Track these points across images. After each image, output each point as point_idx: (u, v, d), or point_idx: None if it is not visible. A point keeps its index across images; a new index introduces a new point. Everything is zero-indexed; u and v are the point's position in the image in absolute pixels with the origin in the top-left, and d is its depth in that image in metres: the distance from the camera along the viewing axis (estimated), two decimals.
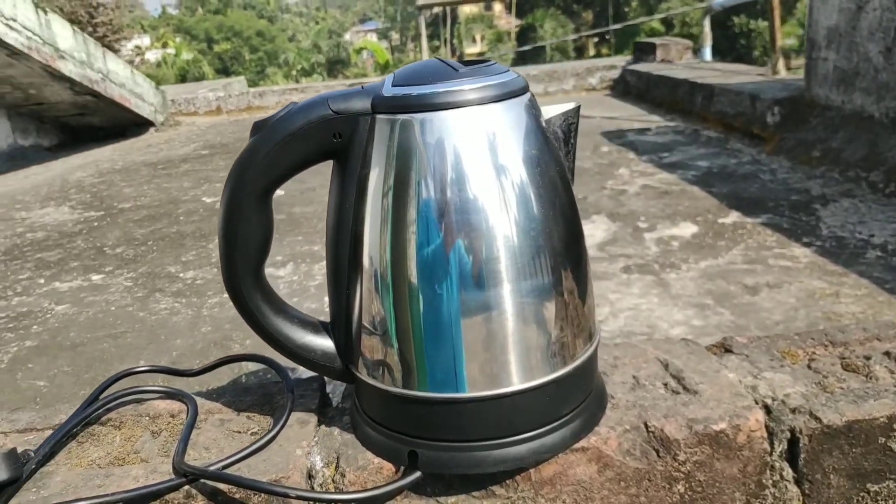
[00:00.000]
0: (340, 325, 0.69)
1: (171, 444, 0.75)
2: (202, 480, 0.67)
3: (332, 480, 0.68)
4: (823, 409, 0.68)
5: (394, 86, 0.62)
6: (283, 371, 0.80)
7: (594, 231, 1.71)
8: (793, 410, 0.69)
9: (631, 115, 3.33)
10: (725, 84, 2.84)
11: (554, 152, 0.65)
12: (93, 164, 3.50)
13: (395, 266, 0.61)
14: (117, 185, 2.92)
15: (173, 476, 0.68)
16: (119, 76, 3.77)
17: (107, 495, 0.66)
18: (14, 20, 2.91)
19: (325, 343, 0.70)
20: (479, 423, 0.63)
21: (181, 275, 1.74)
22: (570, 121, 0.66)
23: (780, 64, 3.11)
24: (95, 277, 1.83)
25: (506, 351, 0.62)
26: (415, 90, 0.60)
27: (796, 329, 1.10)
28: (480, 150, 0.60)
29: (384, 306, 0.63)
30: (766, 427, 0.68)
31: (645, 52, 4.19)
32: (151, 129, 4.25)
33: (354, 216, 0.64)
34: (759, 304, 1.22)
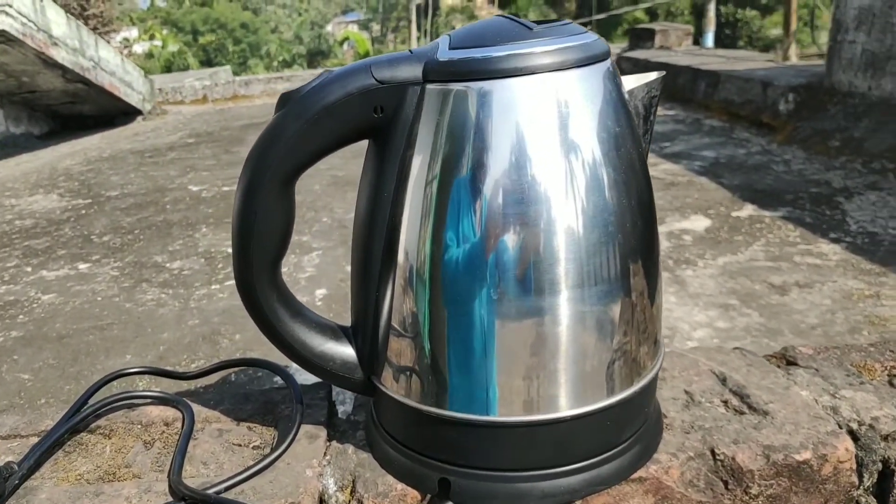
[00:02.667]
0: (366, 330, 0.57)
1: (165, 457, 0.65)
2: None
3: None
4: None
5: (451, 48, 0.50)
6: (291, 379, 0.69)
7: None
8: (884, 438, 0.58)
9: None
10: (733, 70, 2.73)
11: (635, 131, 0.54)
12: (81, 152, 3.38)
13: (436, 266, 0.50)
14: (105, 174, 2.80)
15: (170, 498, 0.57)
16: (110, 64, 3.63)
17: None
18: (10, 6, 2.76)
19: (345, 351, 0.59)
20: (526, 451, 0.53)
21: (168, 265, 1.64)
22: (653, 93, 0.56)
23: (793, 50, 3.02)
24: (82, 266, 1.71)
25: (561, 370, 0.51)
26: (479, 52, 0.49)
27: (836, 333, 1.01)
28: (552, 128, 0.49)
29: (419, 312, 0.52)
30: (856, 457, 0.58)
31: (642, 38, 4.07)
32: (139, 118, 4.12)
33: (393, 205, 0.52)
34: (790, 306, 1.12)
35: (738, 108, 2.58)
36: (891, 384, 0.66)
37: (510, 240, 0.49)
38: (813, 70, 2.47)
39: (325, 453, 0.62)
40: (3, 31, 2.68)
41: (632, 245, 0.52)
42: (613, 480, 0.55)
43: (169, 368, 0.81)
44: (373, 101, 0.51)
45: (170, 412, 0.72)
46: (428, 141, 0.50)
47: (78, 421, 0.69)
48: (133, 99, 3.93)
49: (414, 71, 0.50)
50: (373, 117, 0.51)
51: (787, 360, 0.71)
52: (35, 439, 0.67)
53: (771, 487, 0.57)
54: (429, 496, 0.56)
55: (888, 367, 0.69)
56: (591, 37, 0.52)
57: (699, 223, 1.55)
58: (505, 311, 0.50)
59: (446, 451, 0.55)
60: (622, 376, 0.53)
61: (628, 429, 0.55)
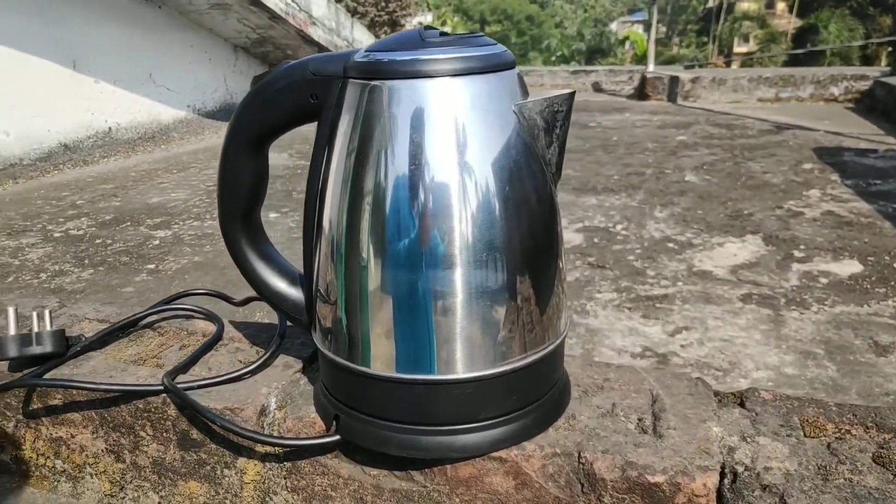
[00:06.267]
0: (306, 282, 0.68)
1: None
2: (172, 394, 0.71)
3: (278, 423, 0.69)
4: (798, 497, 0.54)
5: (366, 51, 0.59)
6: (281, 316, 0.81)
7: (739, 251, 1.51)
8: (764, 488, 0.55)
9: (861, 133, 2.86)
10: None
11: (523, 139, 0.57)
12: None
13: (349, 235, 0.59)
14: None
15: (158, 384, 0.72)
16: (363, 45, 4.06)
17: (102, 383, 0.73)
18: None
19: (297, 295, 0.70)
20: (391, 404, 0.60)
21: None
22: (556, 108, 0.58)
23: None
24: (272, 215, 2.00)
25: (432, 338, 0.57)
26: (385, 56, 0.57)
27: None
28: (441, 124, 0.55)
29: (336, 274, 0.61)
30: (719, 495, 0.56)
31: None
32: None
33: (322, 178, 0.62)
34: (878, 367, 0.99)
35: None
36: (828, 447, 0.60)
37: (403, 220, 0.56)
38: None
39: (285, 380, 0.74)
40: (270, 8, 3.19)
41: (512, 241, 0.57)
42: (467, 451, 0.59)
43: (224, 293, 0.98)
44: (310, 89, 0.61)
45: (212, 327, 0.89)
46: (346, 126, 0.58)
47: (144, 318, 0.89)
48: None
49: (338, 67, 0.59)
50: (310, 102, 0.61)
51: (741, 399, 0.68)
52: None
53: (623, 502, 0.57)
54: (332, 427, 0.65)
55: (841, 430, 0.62)
56: (494, 50, 0.57)
57: (847, 268, 1.39)
58: (396, 281, 0.57)
59: (342, 393, 0.63)
60: (485, 357, 0.57)
61: (490, 409, 0.59)
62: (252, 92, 0.65)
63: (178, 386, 0.71)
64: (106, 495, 0.76)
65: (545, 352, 0.61)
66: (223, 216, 0.70)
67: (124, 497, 0.76)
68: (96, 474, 0.77)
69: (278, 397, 0.71)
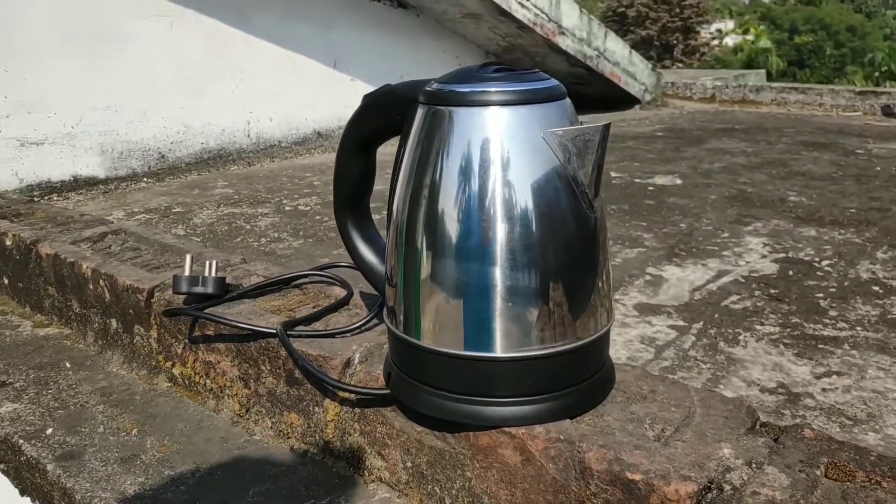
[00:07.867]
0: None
1: None
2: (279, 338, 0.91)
3: (357, 374, 0.85)
4: None
5: (436, 82, 0.73)
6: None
7: None
8: None
9: None
10: None
11: (552, 162, 0.67)
12: None
13: (407, 227, 0.73)
14: None
15: (273, 328, 0.93)
16: (615, 55, 4.11)
17: (230, 320, 0.95)
18: (529, 0, 3.48)
19: (383, 270, 0.86)
20: (427, 370, 0.73)
21: None
22: (588, 137, 0.66)
23: None
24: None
25: (465, 319, 0.70)
26: (446, 87, 0.71)
27: None
28: (482, 145, 0.68)
29: (397, 257, 0.75)
30: (695, 502, 0.60)
31: None
32: (636, 107, 4.50)
33: (396, 182, 0.77)
34: None
35: None
36: (843, 492, 0.60)
37: (450, 220, 0.69)
38: None
39: (374, 342, 0.90)
40: (518, 19, 3.41)
41: (546, 252, 0.68)
42: (478, 420, 0.71)
43: None
44: (396, 108, 0.77)
45: (344, 293, 1.08)
46: (413, 141, 0.73)
47: (296, 279, 1.12)
48: (633, 88, 4.37)
49: (415, 93, 0.74)
50: (397, 119, 0.77)
51: (777, 433, 0.69)
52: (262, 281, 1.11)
53: (606, 493, 0.64)
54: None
55: (872, 480, 0.61)
56: (539, 84, 0.69)
57: None
58: (436, 269, 0.70)
59: (395, 355, 0.78)
60: (499, 342, 0.68)
61: (504, 388, 0.69)
62: (360, 107, 0.83)
63: (289, 334, 0.91)
64: (236, 414, 0.99)
65: (560, 349, 0.69)
66: (336, 202, 0.89)
67: (248, 418, 0.98)
68: (231, 396, 1.00)
69: (362, 354, 0.87)
